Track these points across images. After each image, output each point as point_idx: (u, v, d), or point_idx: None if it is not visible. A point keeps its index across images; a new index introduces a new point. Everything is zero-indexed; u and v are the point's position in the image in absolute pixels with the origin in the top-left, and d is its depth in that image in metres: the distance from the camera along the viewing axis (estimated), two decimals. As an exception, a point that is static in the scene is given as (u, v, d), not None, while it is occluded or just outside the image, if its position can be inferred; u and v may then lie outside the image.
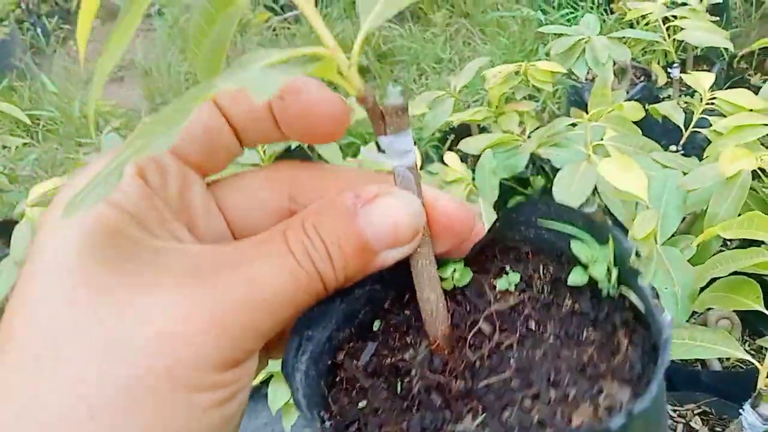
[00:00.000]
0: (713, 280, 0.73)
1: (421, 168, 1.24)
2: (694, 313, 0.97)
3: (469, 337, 0.21)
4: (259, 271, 0.19)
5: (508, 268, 0.22)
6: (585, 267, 0.20)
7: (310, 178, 0.23)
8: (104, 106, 2.32)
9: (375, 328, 0.23)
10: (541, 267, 0.22)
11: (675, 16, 1.35)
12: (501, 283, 0.21)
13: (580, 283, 0.20)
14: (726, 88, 1.46)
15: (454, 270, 0.22)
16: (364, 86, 0.19)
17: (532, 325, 0.20)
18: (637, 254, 0.78)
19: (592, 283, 0.20)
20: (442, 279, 0.22)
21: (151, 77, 2.68)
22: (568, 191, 0.93)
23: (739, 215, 0.92)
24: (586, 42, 1.26)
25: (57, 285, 0.18)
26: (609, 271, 0.20)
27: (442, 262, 0.22)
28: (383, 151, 0.19)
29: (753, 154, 0.84)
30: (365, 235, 0.20)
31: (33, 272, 0.19)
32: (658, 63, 1.50)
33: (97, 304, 0.17)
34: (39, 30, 3.41)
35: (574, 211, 0.21)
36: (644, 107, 1.27)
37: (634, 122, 1.19)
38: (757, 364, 0.65)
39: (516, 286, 0.22)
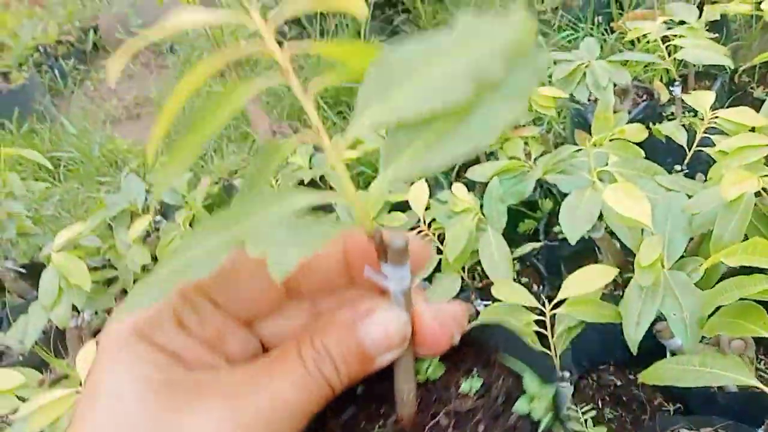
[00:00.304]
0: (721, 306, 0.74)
1: (431, 196, 1.26)
2: (706, 334, 0.97)
3: (428, 427, 0.24)
4: (278, 388, 0.23)
5: (475, 371, 0.25)
6: (531, 398, 0.23)
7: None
8: (122, 144, 2.39)
9: (358, 392, 0.27)
10: (502, 378, 0.25)
11: (674, 35, 1.37)
12: (464, 386, 0.25)
13: (523, 412, 0.23)
14: (729, 102, 1.47)
15: (430, 365, 0.25)
16: (374, 226, 0.23)
17: (481, 429, 0.23)
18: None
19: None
20: (417, 372, 0.25)
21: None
22: (574, 218, 0.94)
23: (746, 236, 0.93)
24: (586, 66, 1.29)
25: (118, 409, 0.22)
26: (548, 410, 0.23)
27: (421, 357, 0.25)
28: (384, 275, 0.23)
29: (755, 175, 0.85)
30: (365, 345, 0.24)
31: (94, 399, 0.23)
32: (661, 80, 1.51)
33: (153, 424, 0.21)
34: (57, 72, 3.52)
35: (530, 351, 0.25)
36: (648, 126, 1.29)
37: (639, 142, 1.21)
38: (767, 390, 0.66)
39: (476, 391, 0.25)
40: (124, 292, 1.53)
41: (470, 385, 0.26)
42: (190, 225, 1.47)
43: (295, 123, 1.76)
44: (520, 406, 0.25)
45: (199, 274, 0.19)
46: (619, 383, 0.99)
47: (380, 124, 0.19)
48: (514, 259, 1.34)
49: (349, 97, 2.22)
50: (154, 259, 1.42)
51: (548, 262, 1.28)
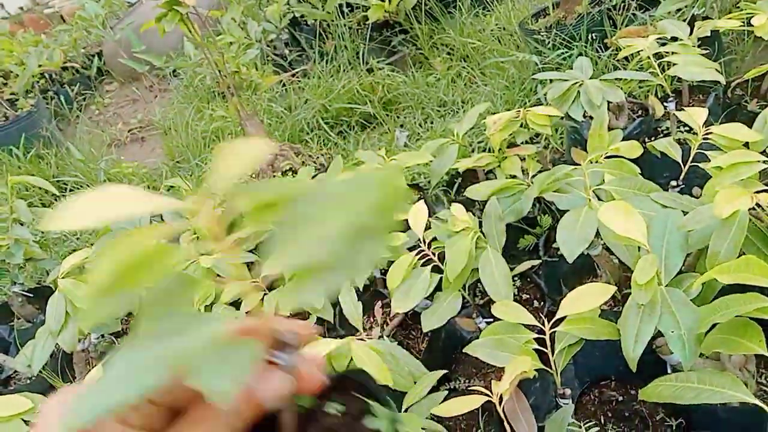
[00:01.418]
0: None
1: (432, 214, 1.28)
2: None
3: None
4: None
5: (337, 399, 0.33)
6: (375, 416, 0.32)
7: None
8: (127, 168, 2.42)
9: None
10: (356, 403, 0.33)
11: (667, 52, 1.39)
12: (330, 409, 0.33)
13: (372, 427, 0.32)
14: (723, 116, 1.49)
15: (305, 398, 0.33)
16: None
17: None
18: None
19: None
20: (297, 403, 0.32)
21: (170, 136, 2.79)
22: (571, 238, 0.96)
23: (742, 251, 0.94)
24: (579, 86, 1.31)
25: None
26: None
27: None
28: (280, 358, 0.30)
29: (748, 192, 0.86)
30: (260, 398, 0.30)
31: None
32: (656, 95, 1.54)
33: None
34: (62, 97, 3.58)
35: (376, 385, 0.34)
36: (644, 142, 1.31)
37: (636, 158, 1.23)
38: (765, 407, 0.67)
39: (339, 412, 0.33)
40: (130, 315, 1.55)
41: (335, 408, 0.33)
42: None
43: (297, 146, 1.79)
44: (368, 421, 0.32)
45: (126, 399, 0.21)
46: (620, 398, 0.99)
47: (280, 268, 0.25)
48: (514, 276, 1.35)
49: (349, 117, 2.25)
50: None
51: (548, 278, 1.29)
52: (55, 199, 2.57)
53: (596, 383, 1.05)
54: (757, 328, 0.71)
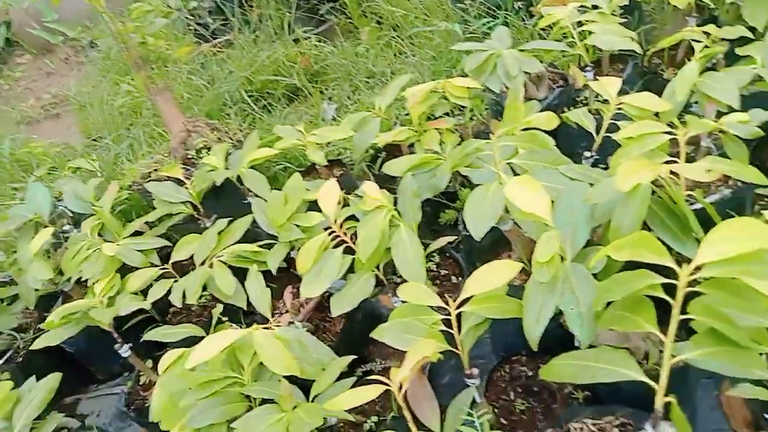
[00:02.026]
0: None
1: (352, 192, 1.23)
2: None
3: None
4: None
5: None
6: None
7: None
8: (36, 147, 2.25)
9: None
10: None
11: (587, 21, 1.37)
12: None
13: None
14: (641, 85, 1.49)
15: None
16: None
17: None
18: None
19: None
20: None
21: (86, 112, 2.61)
22: (478, 215, 0.93)
23: (646, 225, 0.94)
24: (497, 57, 1.27)
25: None
26: None
27: None
28: None
29: (651, 165, 0.85)
30: None
31: None
32: (578, 64, 1.52)
33: None
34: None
35: None
36: (563, 112, 1.29)
37: (554, 129, 1.21)
38: (654, 385, 0.66)
39: None
40: (27, 310, 1.45)
41: None
42: (99, 234, 1.39)
43: (214, 122, 1.69)
44: None
45: None
46: (530, 374, 0.99)
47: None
48: (433, 252, 1.33)
49: (275, 89, 2.15)
50: (61, 273, 1.34)
51: (468, 253, 1.27)
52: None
53: (509, 359, 1.04)
54: (649, 305, 0.70)
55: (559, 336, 0.93)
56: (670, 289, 0.66)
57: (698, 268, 0.62)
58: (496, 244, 1.23)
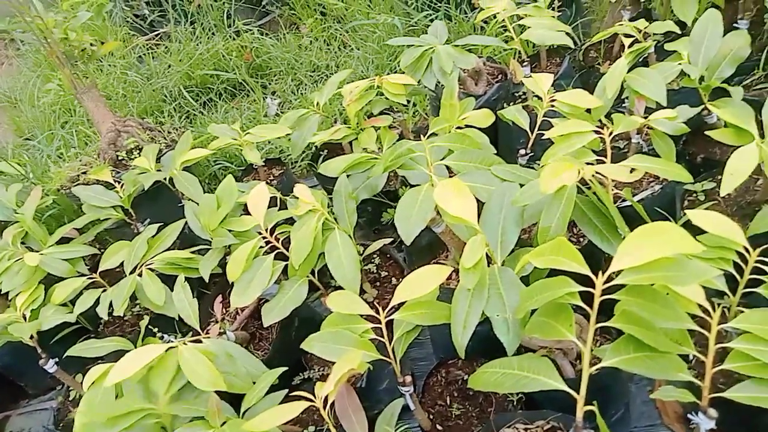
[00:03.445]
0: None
1: (289, 193, 1.20)
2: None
3: None
4: None
5: None
6: None
7: None
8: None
9: None
10: None
11: (523, 14, 1.36)
12: None
13: None
14: (577, 78, 1.50)
15: None
16: None
17: None
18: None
19: None
20: None
21: (18, 109, 2.48)
22: (408, 218, 0.91)
23: (574, 225, 0.93)
24: (432, 52, 1.25)
25: None
26: None
27: None
28: None
29: (575, 165, 0.85)
30: None
31: None
32: (518, 58, 1.51)
33: None
34: None
35: None
36: (502, 108, 1.28)
37: (493, 125, 1.20)
38: (574, 394, 0.66)
39: None
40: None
41: None
42: (23, 242, 1.32)
43: (147, 121, 1.61)
44: None
45: None
46: (466, 377, 0.98)
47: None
48: (374, 253, 1.31)
49: (215, 84, 2.08)
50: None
51: (408, 254, 1.25)
52: None
53: (446, 362, 1.03)
54: (569, 312, 0.69)
55: (493, 338, 0.92)
56: (590, 297, 0.65)
57: (617, 274, 0.62)
58: (434, 245, 1.22)
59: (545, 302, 0.68)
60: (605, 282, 0.63)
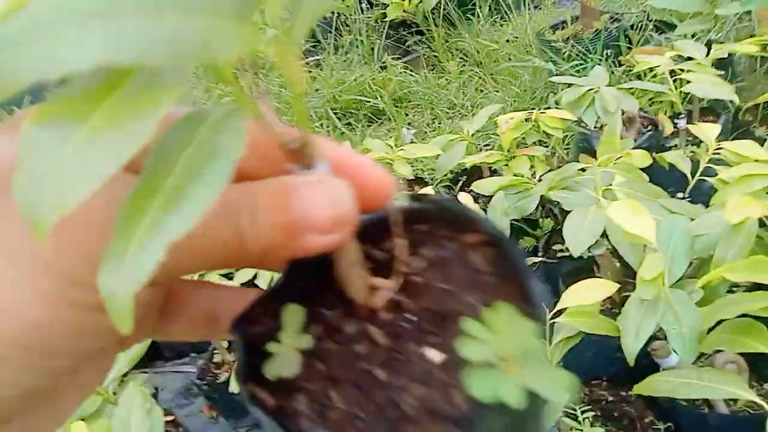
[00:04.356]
0: (721, 322, 0.75)
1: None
2: (701, 355, 0.98)
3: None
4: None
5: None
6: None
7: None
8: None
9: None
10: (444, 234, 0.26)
11: (682, 70, 1.40)
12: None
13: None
14: (731, 139, 1.50)
15: None
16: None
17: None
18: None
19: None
20: None
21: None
22: (578, 233, 0.96)
23: (746, 261, 0.94)
24: (595, 92, 1.32)
25: None
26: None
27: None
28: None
29: (759, 202, 0.87)
30: (293, 209, 0.20)
31: None
32: (665, 113, 1.55)
33: None
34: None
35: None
36: (651, 155, 1.31)
37: (642, 169, 1.23)
38: (766, 406, 0.66)
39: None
40: None
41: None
42: None
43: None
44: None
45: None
46: (611, 399, 0.99)
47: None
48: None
49: (358, 109, 2.25)
50: None
51: (546, 280, 1.28)
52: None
53: (587, 382, 1.04)
54: (761, 327, 0.70)
55: (644, 365, 0.93)
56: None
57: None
58: (576, 273, 1.24)
59: (735, 315, 0.70)
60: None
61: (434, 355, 0.23)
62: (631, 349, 0.80)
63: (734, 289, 1.01)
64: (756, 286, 0.73)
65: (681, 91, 1.35)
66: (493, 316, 0.21)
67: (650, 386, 0.76)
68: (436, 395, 0.22)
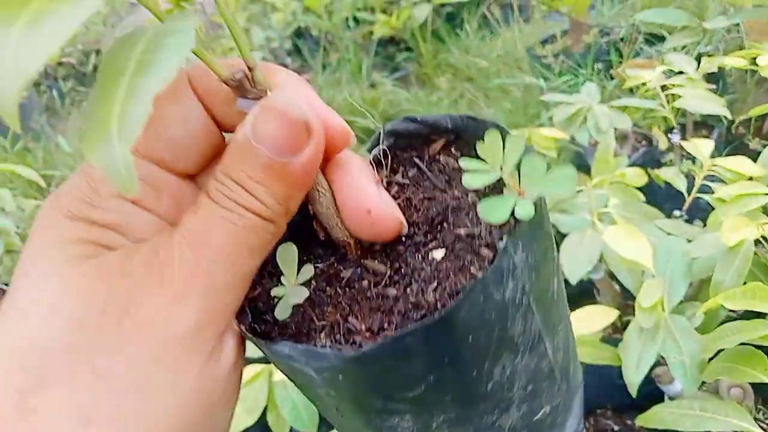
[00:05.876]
0: (722, 350, 0.73)
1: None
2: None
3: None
4: (212, 238, 0.22)
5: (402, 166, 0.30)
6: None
7: None
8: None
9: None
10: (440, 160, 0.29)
11: (673, 84, 1.40)
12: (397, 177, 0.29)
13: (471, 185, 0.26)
14: (725, 153, 1.50)
15: None
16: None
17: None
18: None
19: None
20: None
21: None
22: (575, 258, 0.94)
23: (745, 282, 0.93)
24: (587, 110, 1.31)
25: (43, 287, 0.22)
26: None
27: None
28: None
29: (754, 223, 0.86)
30: (261, 152, 0.21)
31: (22, 280, 0.22)
32: (659, 128, 1.54)
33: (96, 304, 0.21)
34: (55, 92, 3.54)
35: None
36: (647, 171, 1.30)
37: (638, 187, 1.22)
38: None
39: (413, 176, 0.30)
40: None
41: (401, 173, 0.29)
42: None
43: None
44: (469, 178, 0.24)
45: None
46: (616, 428, 0.97)
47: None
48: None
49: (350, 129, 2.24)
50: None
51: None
52: (40, 193, 2.52)
53: (592, 412, 1.02)
54: (761, 356, 0.69)
55: (648, 393, 0.91)
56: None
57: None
58: (576, 298, 1.22)
59: (735, 344, 0.68)
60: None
61: (438, 254, 0.25)
62: (633, 380, 0.78)
63: (733, 312, 1.00)
64: (755, 314, 0.72)
65: (673, 106, 1.35)
66: (483, 147, 0.23)
67: (653, 418, 0.74)
68: (451, 279, 0.23)
